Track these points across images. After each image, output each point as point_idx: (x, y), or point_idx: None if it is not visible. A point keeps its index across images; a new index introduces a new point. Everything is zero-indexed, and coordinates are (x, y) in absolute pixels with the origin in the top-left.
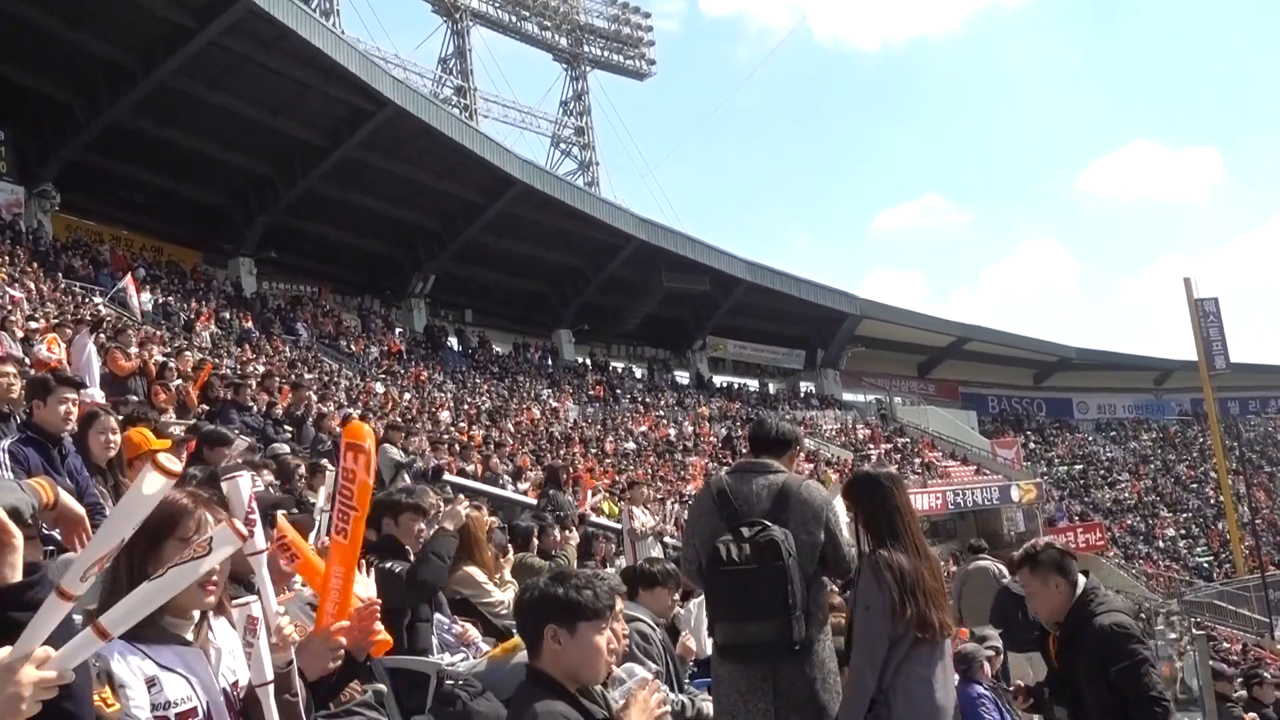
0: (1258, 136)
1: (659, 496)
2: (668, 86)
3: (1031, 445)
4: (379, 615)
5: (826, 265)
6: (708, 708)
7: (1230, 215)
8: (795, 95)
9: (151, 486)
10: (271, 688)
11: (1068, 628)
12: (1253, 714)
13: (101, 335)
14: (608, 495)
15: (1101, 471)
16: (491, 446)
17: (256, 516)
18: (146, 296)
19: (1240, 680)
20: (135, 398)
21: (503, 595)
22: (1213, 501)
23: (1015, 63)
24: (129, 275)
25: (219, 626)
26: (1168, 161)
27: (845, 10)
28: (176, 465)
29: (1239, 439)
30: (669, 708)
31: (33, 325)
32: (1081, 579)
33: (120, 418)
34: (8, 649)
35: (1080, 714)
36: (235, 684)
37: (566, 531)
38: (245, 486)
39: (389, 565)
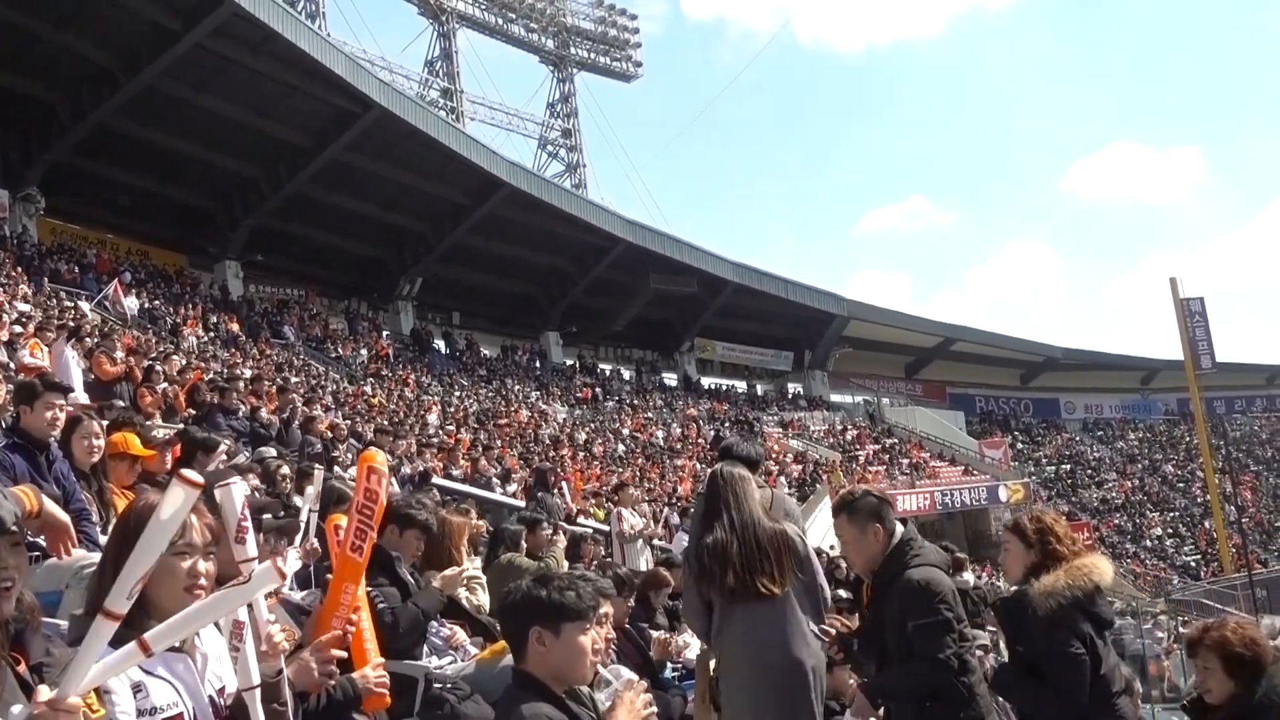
0: (1239, 136)
1: (647, 499)
2: (653, 89)
3: (1019, 445)
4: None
5: (812, 266)
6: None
7: (1214, 215)
8: (780, 97)
9: (179, 499)
10: (258, 693)
11: (881, 576)
12: None
13: (87, 340)
14: (593, 496)
15: (1089, 471)
16: (479, 449)
17: (249, 524)
18: (132, 300)
19: None
20: (120, 402)
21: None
22: (1199, 501)
23: (998, 65)
24: (115, 281)
25: (206, 632)
26: (1151, 162)
27: (828, 13)
28: (198, 477)
29: (1225, 438)
30: (655, 709)
31: (17, 330)
32: (900, 528)
33: (105, 422)
34: (44, 687)
35: (885, 666)
36: (221, 690)
37: (556, 535)
38: (239, 494)
39: (381, 605)
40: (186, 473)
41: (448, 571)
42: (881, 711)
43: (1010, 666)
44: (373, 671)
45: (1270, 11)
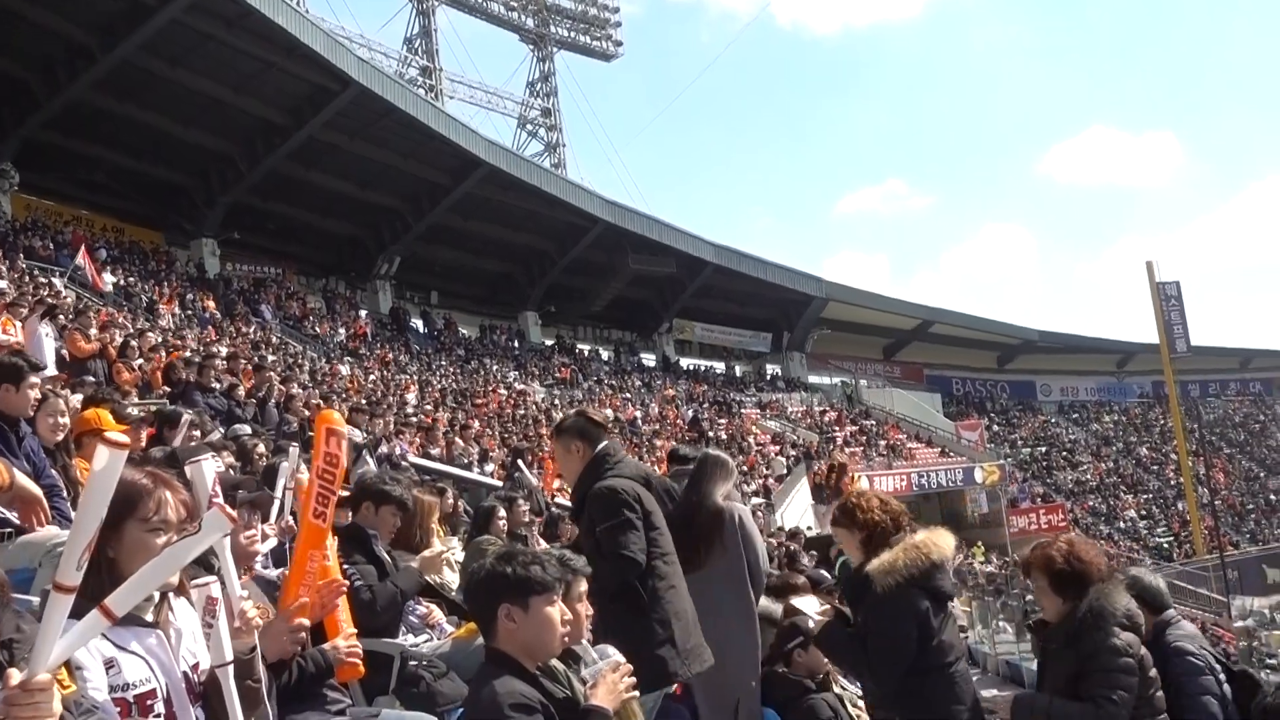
0: (1215, 121)
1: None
2: (632, 69)
3: (995, 427)
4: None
5: (791, 247)
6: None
7: (1189, 199)
8: (758, 79)
9: (106, 462)
10: (231, 669)
11: (579, 490)
12: None
13: (62, 318)
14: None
15: (1064, 453)
16: (457, 429)
17: (220, 500)
18: (108, 277)
19: None
20: (92, 379)
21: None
22: (1173, 483)
23: (975, 48)
24: (82, 249)
25: (179, 607)
26: (1127, 146)
27: None
28: (123, 438)
29: (1199, 421)
30: (638, 692)
31: None
32: (604, 443)
33: (80, 398)
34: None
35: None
36: (195, 666)
37: (534, 514)
38: (209, 470)
39: (358, 583)
40: (111, 435)
41: (427, 552)
42: None
43: (839, 626)
44: (344, 642)
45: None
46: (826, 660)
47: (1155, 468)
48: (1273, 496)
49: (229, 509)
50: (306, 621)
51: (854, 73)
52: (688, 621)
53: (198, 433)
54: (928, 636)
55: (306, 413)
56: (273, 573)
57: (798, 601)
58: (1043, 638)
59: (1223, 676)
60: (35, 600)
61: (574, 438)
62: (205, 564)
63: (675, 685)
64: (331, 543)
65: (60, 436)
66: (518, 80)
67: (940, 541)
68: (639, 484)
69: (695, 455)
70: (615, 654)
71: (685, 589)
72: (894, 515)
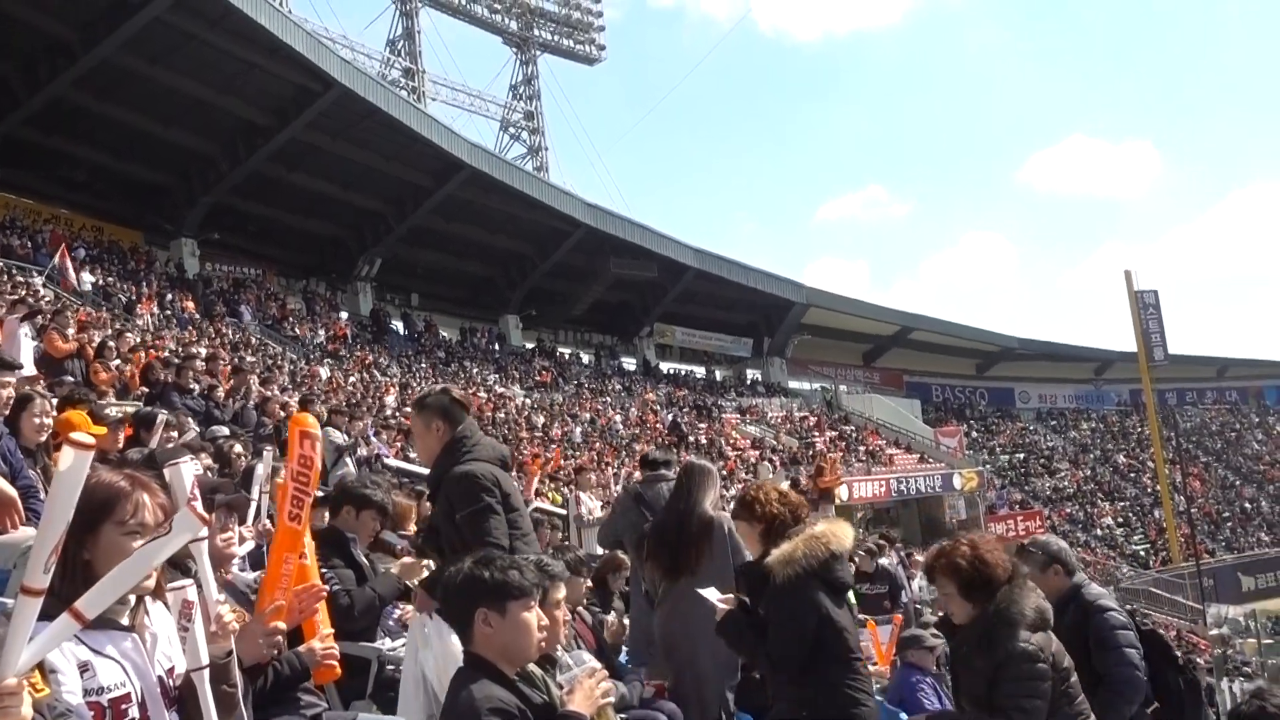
0: (1193, 131)
1: (605, 483)
2: (614, 74)
3: (974, 434)
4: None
5: (772, 252)
6: (632, 693)
7: (1167, 208)
8: (740, 85)
9: (71, 463)
10: (207, 673)
11: (435, 471)
12: None
13: (40, 319)
14: (550, 480)
15: (1042, 460)
16: None
17: (199, 503)
18: (87, 276)
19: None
20: (71, 379)
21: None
22: (1150, 491)
23: (955, 57)
24: (61, 248)
25: (155, 611)
26: (1106, 155)
27: (788, 2)
28: (89, 439)
29: (1176, 429)
30: (614, 697)
31: None
32: (463, 424)
33: (56, 399)
34: None
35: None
36: (171, 670)
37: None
38: (188, 473)
39: (335, 588)
40: (76, 435)
41: (406, 559)
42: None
43: (739, 615)
44: (320, 644)
45: (1221, 9)
46: None
47: (1132, 475)
48: (1248, 505)
49: (200, 510)
50: (283, 625)
51: (835, 79)
52: None
53: (175, 433)
54: (828, 628)
55: (283, 414)
56: (250, 575)
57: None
58: (953, 641)
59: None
60: (11, 602)
61: (435, 416)
62: (181, 567)
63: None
64: (310, 544)
65: (43, 437)
66: (501, 83)
67: (839, 532)
68: (496, 467)
69: (665, 459)
70: (591, 660)
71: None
72: (793, 507)
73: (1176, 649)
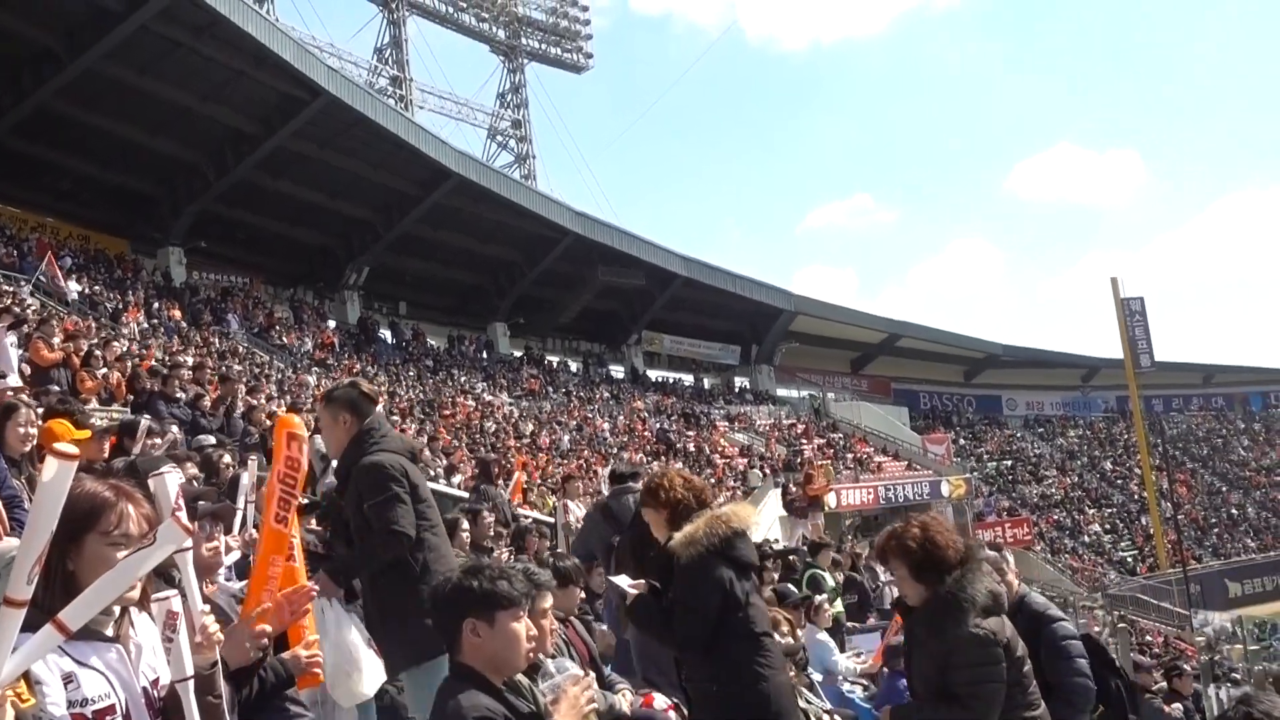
0: (1177, 140)
1: (593, 491)
2: (601, 82)
3: (961, 441)
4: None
5: (759, 260)
6: (622, 702)
7: (1152, 216)
8: (727, 93)
9: (55, 473)
10: (191, 684)
11: (344, 463)
12: (1176, 704)
13: (26, 327)
14: (538, 488)
15: (1029, 467)
16: (424, 440)
17: (184, 513)
18: (73, 285)
19: (1160, 672)
20: (55, 387)
21: None
22: (1136, 497)
23: (941, 65)
24: (48, 255)
25: (140, 622)
26: (1091, 163)
27: (774, 11)
28: (73, 449)
29: (1163, 436)
30: (598, 705)
31: None
32: (371, 417)
33: (41, 409)
34: None
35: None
36: (155, 681)
37: (500, 526)
38: (173, 483)
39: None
40: (60, 445)
41: None
42: None
43: (649, 599)
44: (305, 651)
45: (1205, 20)
46: (791, 673)
47: (1119, 482)
48: (1235, 511)
49: (185, 521)
50: (269, 628)
51: (821, 87)
52: None
53: (157, 439)
54: (733, 605)
55: (269, 423)
56: (235, 585)
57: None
58: (907, 622)
59: None
60: None
61: (343, 409)
62: (166, 577)
63: (645, 696)
64: (298, 546)
65: (28, 447)
66: (488, 91)
67: (741, 512)
68: (405, 458)
69: (631, 473)
70: (574, 668)
71: (454, 559)
72: (696, 492)
73: (1163, 654)
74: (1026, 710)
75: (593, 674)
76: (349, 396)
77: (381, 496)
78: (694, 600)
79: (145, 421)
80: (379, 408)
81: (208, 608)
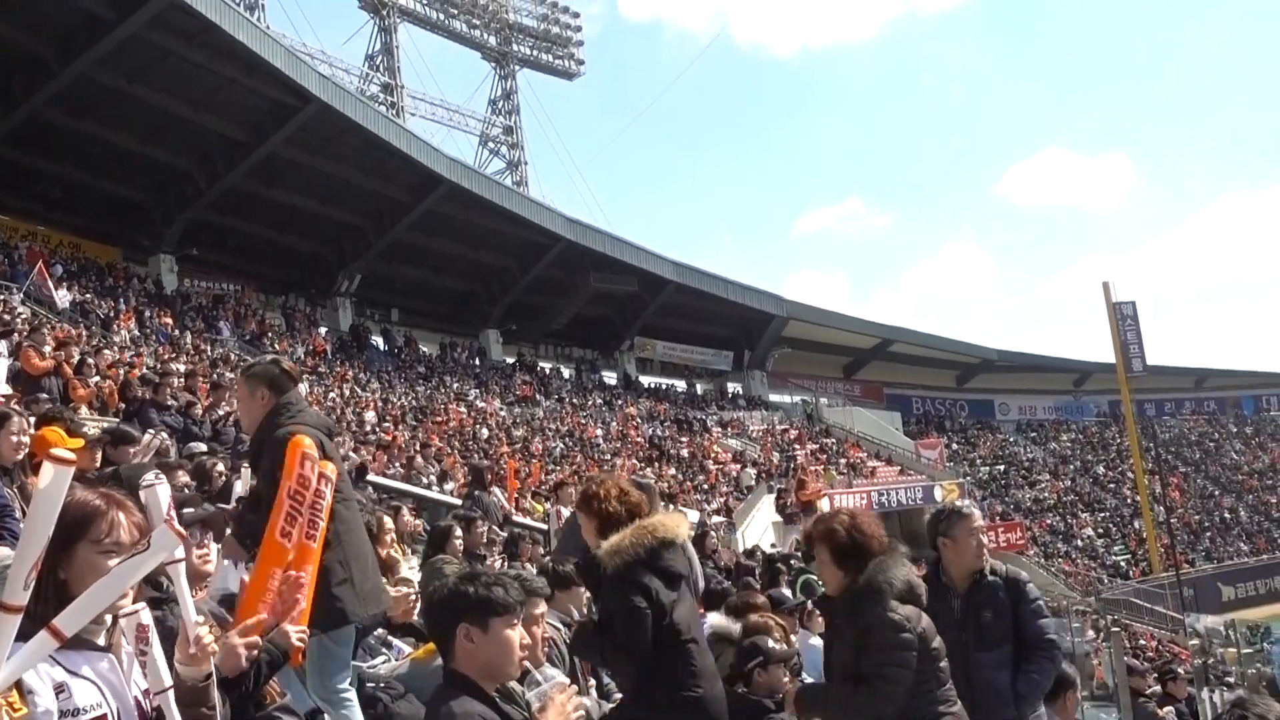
0: (1167, 143)
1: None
2: (592, 88)
3: (954, 446)
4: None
5: (751, 266)
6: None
7: (1144, 220)
8: (718, 99)
9: (52, 479)
10: (171, 694)
11: (256, 437)
12: (1169, 708)
13: (16, 335)
14: (532, 496)
15: (1022, 472)
16: (417, 447)
17: (177, 521)
18: (64, 293)
19: (1155, 676)
20: (45, 395)
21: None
22: (1129, 501)
23: (932, 70)
24: (39, 264)
25: (132, 634)
26: (1082, 167)
27: (765, 16)
28: (70, 455)
29: (1155, 440)
30: (585, 711)
31: None
32: (289, 393)
33: (33, 417)
34: None
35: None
36: (147, 691)
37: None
38: (164, 495)
39: None
40: (57, 451)
41: (394, 592)
42: None
43: (585, 627)
44: (294, 627)
45: (1192, 23)
46: (785, 680)
47: (1112, 486)
48: (1227, 515)
49: (178, 527)
50: (259, 640)
51: (812, 93)
52: (367, 564)
53: (151, 449)
54: (659, 614)
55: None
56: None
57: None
58: (828, 613)
59: None
60: None
61: (260, 383)
62: (156, 585)
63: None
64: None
65: (20, 455)
66: (480, 98)
67: (668, 522)
68: (321, 434)
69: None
70: (561, 676)
71: (364, 533)
72: (631, 506)
73: (1157, 658)
74: (940, 705)
75: (591, 680)
76: (269, 373)
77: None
78: (628, 608)
79: (135, 432)
80: (299, 388)
81: (202, 618)
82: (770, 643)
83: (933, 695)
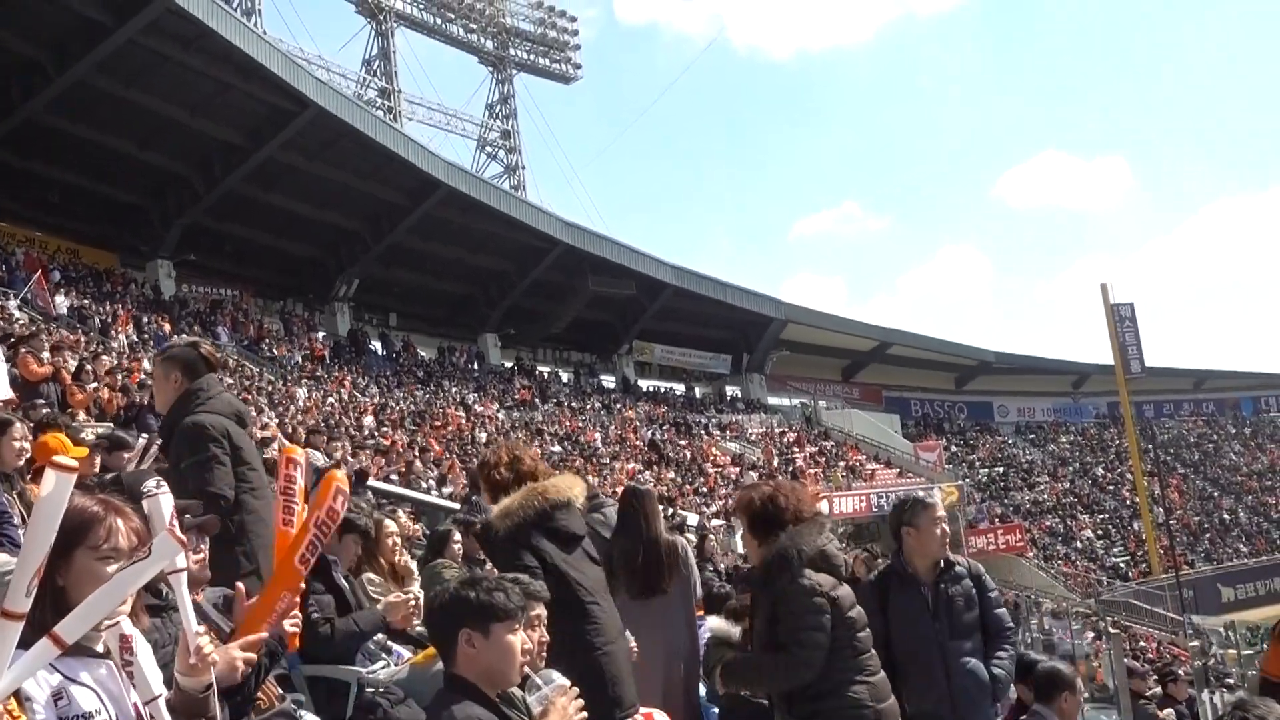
0: (1164, 146)
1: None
2: (589, 92)
3: (953, 448)
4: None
5: (749, 269)
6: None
7: (1141, 222)
8: (715, 102)
9: (54, 486)
10: (162, 702)
11: (168, 421)
12: (1169, 710)
13: (14, 340)
14: None
15: (1021, 474)
16: (416, 451)
17: (179, 533)
18: (62, 299)
19: (1154, 678)
20: (41, 401)
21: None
22: (1129, 503)
23: (928, 73)
24: (38, 273)
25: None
26: (1079, 170)
27: (761, 20)
28: (73, 463)
29: (1154, 441)
30: (586, 714)
31: None
32: (202, 379)
33: (31, 424)
34: None
35: None
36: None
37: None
38: (166, 504)
39: (315, 615)
40: (59, 459)
41: (393, 597)
42: None
43: None
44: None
45: (1189, 25)
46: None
47: (1111, 488)
48: (1226, 516)
49: (179, 534)
50: (254, 656)
51: (809, 96)
52: (272, 555)
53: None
54: (552, 576)
55: (260, 435)
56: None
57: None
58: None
59: None
60: None
61: (175, 367)
62: (155, 592)
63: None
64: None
65: (21, 462)
66: (477, 102)
67: (560, 484)
68: (230, 421)
69: (591, 494)
70: (561, 679)
71: (273, 521)
72: (522, 471)
73: (1157, 660)
74: (859, 674)
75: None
76: (185, 356)
77: (198, 457)
78: (515, 567)
79: (130, 438)
80: (215, 374)
81: (203, 628)
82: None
83: (851, 663)
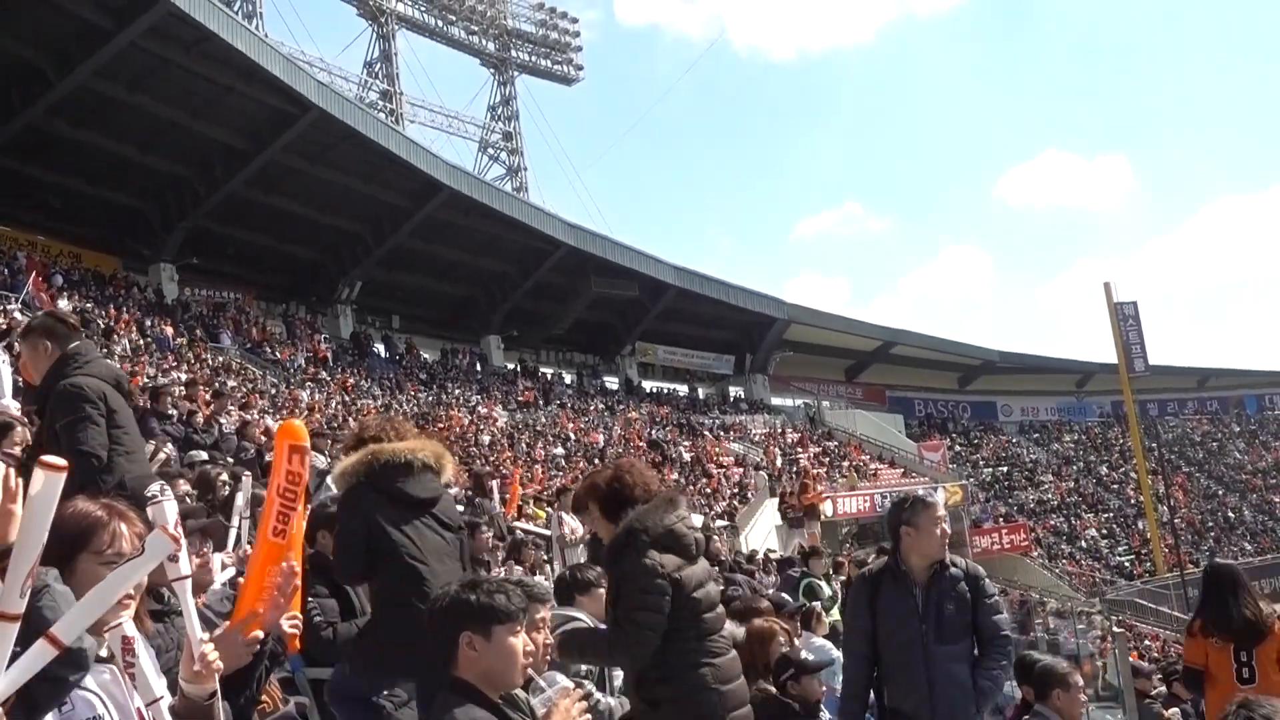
0: (1165, 145)
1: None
2: (590, 93)
3: (957, 448)
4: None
5: (752, 270)
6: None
7: (1143, 221)
8: (716, 103)
9: (43, 485)
10: (164, 704)
11: (43, 386)
12: (1174, 709)
13: (16, 345)
14: (534, 501)
15: (1025, 473)
16: None
17: (183, 541)
18: (64, 303)
19: (1159, 677)
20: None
21: None
22: (1133, 502)
23: (929, 73)
24: (34, 275)
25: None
26: (1080, 169)
27: (762, 21)
28: (61, 461)
29: (1158, 440)
30: (590, 716)
31: None
32: (75, 344)
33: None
34: None
35: None
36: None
37: (497, 539)
38: (170, 510)
39: (317, 618)
40: (48, 458)
41: None
42: None
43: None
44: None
45: (1189, 27)
46: (821, 689)
47: (1115, 487)
48: (1231, 514)
49: (173, 530)
50: (260, 634)
51: (810, 97)
52: None
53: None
54: (382, 538)
55: (264, 439)
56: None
57: None
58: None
59: None
60: None
61: (42, 337)
62: (156, 594)
63: None
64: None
65: None
66: (479, 104)
67: (400, 446)
68: (108, 384)
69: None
70: (565, 680)
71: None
72: (369, 434)
73: (1162, 658)
74: (704, 656)
75: (590, 686)
76: (46, 324)
77: (72, 417)
78: (344, 531)
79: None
80: (83, 337)
81: (207, 635)
82: (804, 654)
83: (692, 646)
